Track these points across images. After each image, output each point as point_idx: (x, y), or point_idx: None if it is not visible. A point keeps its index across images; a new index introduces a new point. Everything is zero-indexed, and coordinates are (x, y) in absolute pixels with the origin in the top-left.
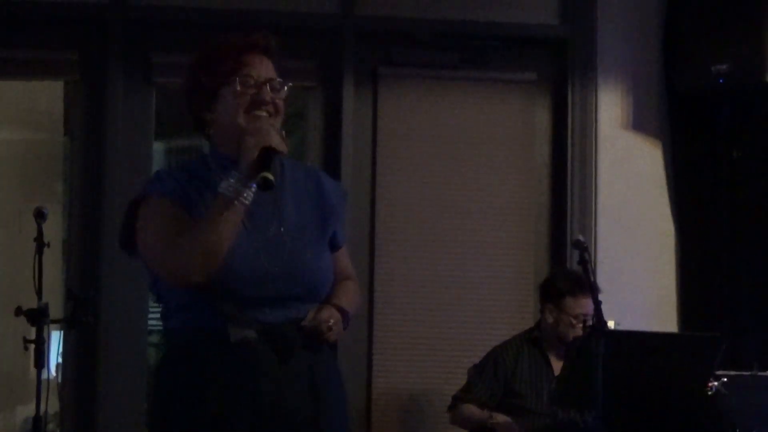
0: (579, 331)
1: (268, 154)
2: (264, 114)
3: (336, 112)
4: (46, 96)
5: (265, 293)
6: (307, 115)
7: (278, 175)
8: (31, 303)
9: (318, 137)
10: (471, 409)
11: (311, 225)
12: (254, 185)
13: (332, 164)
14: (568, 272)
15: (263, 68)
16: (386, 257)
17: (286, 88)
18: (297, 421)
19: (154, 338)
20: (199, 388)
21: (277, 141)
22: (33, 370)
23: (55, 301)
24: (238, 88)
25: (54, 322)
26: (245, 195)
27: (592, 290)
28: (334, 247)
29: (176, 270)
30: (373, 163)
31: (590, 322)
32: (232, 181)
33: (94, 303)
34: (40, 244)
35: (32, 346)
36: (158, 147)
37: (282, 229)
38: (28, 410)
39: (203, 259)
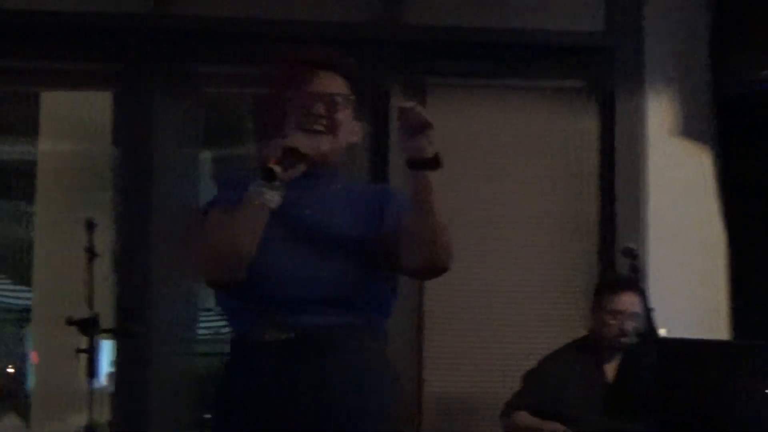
0: (616, 329)
1: (287, 153)
2: (320, 129)
3: (383, 123)
4: (94, 107)
5: (304, 297)
6: (364, 128)
7: (318, 185)
8: (82, 313)
9: (365, 147)
10: (524, 417)
11: (352, 234)
12: (276, 183)
13: (380, 175)
14: (612, 273)
15: (326, 84)
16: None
17: (346, 103)
18: (335, 425)
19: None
20: (238, 392)
21: (304, 145)
22: (84, 380)
23: (104, 311)
24: (295, 100)
25: (104, 331)
26: (269, 197)
27: (638, 292)
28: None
29: (203, 269)
30: None
31: (635, 325)
32: (259, 183)
33: (144, 313)
34: (91, 254)
35: (83, 356)
36: (206, 156)
37: (321, 237)
38: (79, 420)
39: (224, 258)
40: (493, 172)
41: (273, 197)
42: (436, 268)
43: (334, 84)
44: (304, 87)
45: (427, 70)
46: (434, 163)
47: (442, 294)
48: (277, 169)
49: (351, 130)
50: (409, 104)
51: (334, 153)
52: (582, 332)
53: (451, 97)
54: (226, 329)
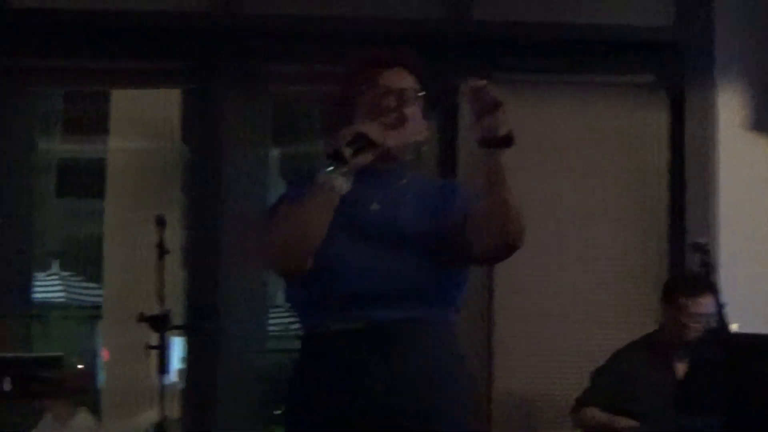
0: (697, 332)
1: (357, 138)
2: (389, 121)
3: (450, 119)
4: (163, 105)
5: (374, 291)
6: (431, 127)
7: (390, 179)
8: (153, 310)
9: (433, 145)
10: (594, 413)
11: (430, 231)
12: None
13: (448, 172)
14: (687, 273)
15: (396, 79)
16: (504, 262)
17: (414, 99)
18: (407, 420)
19: (273, 344)
20: (308, 390)
21: (373, 132)
22: (154, 377)
23: (174, 308)
24: (366, 97)
25: (175, 328)
26: (337, 182)
27: (714, 292)
28: (468, 218)
29: (271, 256)
30: None
31: (710, 324)
32: (328, 168)
33: (215, 309)
34: (161, 251)
35: (154, 353)
36: (274, 154)
37: (401, 237)
38: (150, 416)
39: (292, 243)
40: (562, 168)
41: (341, 183)
42: (508, 247)
43: (402, 80)
44: (373, 81)
45: (495, 66)
46: (506, 141)
47: (511, 290)
48: (347, 151)
49: (419, 127)
50: (480, 83)
51: (402, 147)
52: (651, 328)
53: (520, 94)
54: (296, 325)
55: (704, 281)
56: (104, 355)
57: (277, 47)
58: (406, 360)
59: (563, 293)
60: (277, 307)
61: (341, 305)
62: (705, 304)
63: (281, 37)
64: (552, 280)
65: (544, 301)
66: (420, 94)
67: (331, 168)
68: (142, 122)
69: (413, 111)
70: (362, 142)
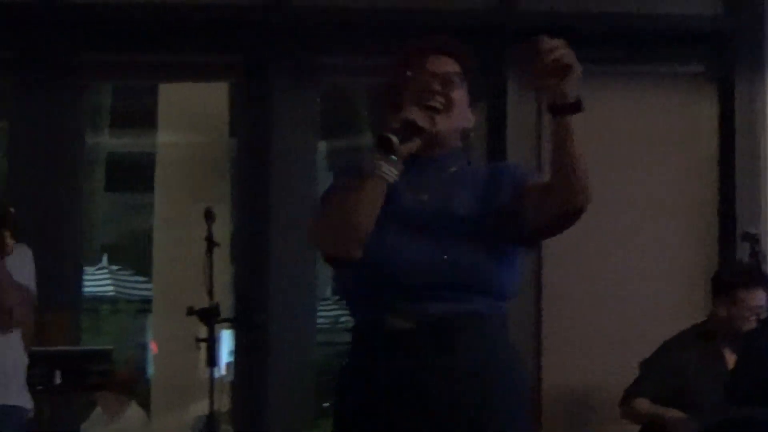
0: (749, 323)
1: (404, 126)
2: (436, 105)
3: (500, 108)
4: (212, 98)
5: (428, 283)
6: (477, 116)
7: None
8: (201, 303)
9: (482, 135)
10: (643, 404)
11: (482, 219)
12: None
13: (497, 159)
14: (740, 264)
15: (441, 65)
16: (553, 254)
17: (460, 84)
18: (461, 417)
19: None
20: (361, 382)
21: (421, 118)
22: (202, 370)
23: (222, 301)
24: (411, 80)
25: (224, 321)
26: (386, 169)
27: (765, 282)
28: (524, 190)
29: (321, 245)
30: (538, 159)
31: (762, 315)
32: (375, 156)
33: (264, 302)
34: (211, 244)
35: (203, 345)
36: (322, 147)
37: (452, 225)
38: (198, 409)
39: (341, 231)
40: (611, 159)
41: (389, 170)
42: (575, 212)
43: (447, 65)
44: (418, 68)
45: None
46: (576, 108)
47: (560, 282)
48: (394, 138)
49: (465, 113)
50: (555, 42)
51: (450, 133)
52: (701, 318)
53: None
54: (344, 318)
55: (756, 273)
56: (153, 348)
57: (325, 39)
58: (459, 355)
59: (612, 284)
60: (326, 300)
61: (392, 298)
62: (757, 296)
63: (329, 30)
64: (601, 272)
65: (592, 292)
66: (464, 79)
67: (379, 156)
68: (191, 116)
69: (459, 96)
70: (410, 130)
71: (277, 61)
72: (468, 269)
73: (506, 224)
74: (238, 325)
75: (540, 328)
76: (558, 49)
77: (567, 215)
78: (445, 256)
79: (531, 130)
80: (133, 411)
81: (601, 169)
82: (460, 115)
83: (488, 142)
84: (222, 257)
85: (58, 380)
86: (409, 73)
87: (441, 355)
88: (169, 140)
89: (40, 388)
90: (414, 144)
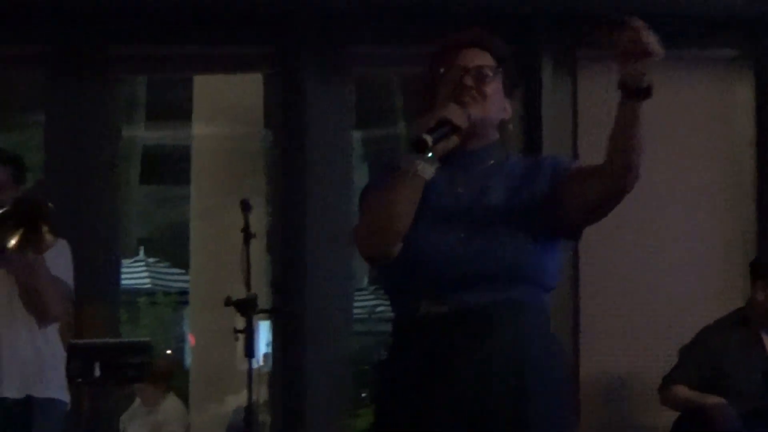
0: None
1: (438, 124)
2: (469, 100)
3: (535, 97)
4: (246, 90)
5: (466, 273)
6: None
7: (475, 163)
8: (238, 294)
9: (517, 125)
10: (682, 390)
11: (521, 210)
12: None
13: (532, 150)
14: None
15: (473, 59)
16: (589, 243)
17: (494, 77)
18: (500, 405)
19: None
20: (399, 373)
21: (456, 116)
22: (239, 361)
23: (259, 292)
24: (444, 76)
25: (261, 312)
26: (421, 167)
27: None
28: (568, 177)
29: (359, 243)
30: (574, 148)
31: None
32: (411, 154)
33: (301, 293)
34: (248, 235)
35: (241, 337)
36: (357, 137)
37: (490, 218)
38: (236, 400)
39: (379, 230)
40: (648, 145)
41: (425, 168)
42: (623, 190)
43: (479, 58)
44: (450, 63)
45: (578, 43)
46: (647, 94)
47: (598, 268)
48: (428, 138)
49: (501, 105)
50: (641, 24)
51: (485, 126)
52: (739, 304)
53: (603, 71)
54: (381, 308)
55: None
56: (190, 339)
57: (358, 29)
58: (498, 344)
59: (650, 271)
60: (362, 290)
61: (431, 289)
62: None
63: (362, 19)
64: (639, 257)
65: (630, 279)
66: (498, 71)
67: (415, 155)
68: (225, 108)
69: (493, 89)
70: (445, 128)
71: (311, 52)
72: (506, 260)
73: (547, 215)
74: (275, 315)
75: (578, 316)
76: (644, 31)
77: (615, 194)
78: (481, 248)
79: (566, 119)
80: (172, 402)
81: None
82: (495, 107)
83: (524, 132)
84: (258, 248)
85: (97, 373)
86: (441, 70)
87: (478, 341)
88: (204, 132)
89: (80, 380)
90: (450, 142)
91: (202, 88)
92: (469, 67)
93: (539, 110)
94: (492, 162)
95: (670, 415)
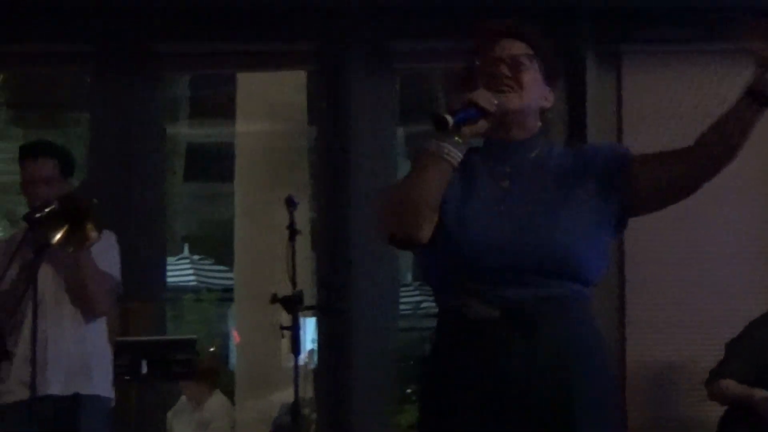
0: None
1: (465, 105)
2: (505, 88)
3: (579, 92)
4: (289, 87)
5: (512, 269)
6: (555, 95)
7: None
8: (282, 290)
9: (562, 119)
10: (729, 385)
11: (569, 203)
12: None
13: (577, 140)
14: None
15: (509, 48)
16: (635, 236)
17: (530, 66)
18: (547, 403)
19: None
20: (444, 369)
21: (483, 99)
22: (284, 357)
23: (303, 288)
24: (481, 67)
25: (307, 308)
26: (446, 150)
27: None
28: (632, 164)
29: (384, 226)
30: (619, 141)
31: None
32: (437, 136)
33: (346, 289)
34: (293, 232)
35: (286, 333)
36: (400, 133)
37: (536, 210)
38: (281, 397)
39: (403, 211)
40: (691, 138)
41: (451, 151)
42: (705, 180)
43: (516, 48)
44: (486, 54)
45: (622, 38)
46: None
47: (644, 260)
48: (449, 117)
49: (540, 93)
50: None
51: (525, 115)
52: None
53: (648, 66)
54: (426, 304)
55: None
56: (235, 337)
57: (401, 24)
58: (545, 342)
59: (696, 263)
60: (407, 285)
61: (475, 285)
62: None
63: (405, 15)
64: (685, 250)
65: (676, 273)
66: (534, 60)
67: (443, 137)
68: (269, 105)
69: (530, 78)
70: (470, 110)
71: (355, 48)
72: (555, 256)
73: (603, 206)
74: (320, 312)
75: (623, 310)
76: None
77: (704, 177)
78: (527, 242)
79: (611, 113)
80: (217, 399)
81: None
82: (534, 96)
83: (568, 126)
84: (303, 245)
85: (144, 370)
86: (477, 62)
87: (524, 340)
88: (247, 129)
89: (127, 378)
90: (478, 126)
91: (245, 84)
92: (504, 56)
93: (584, 105)
94: (535, 153)
95: (718, 409)
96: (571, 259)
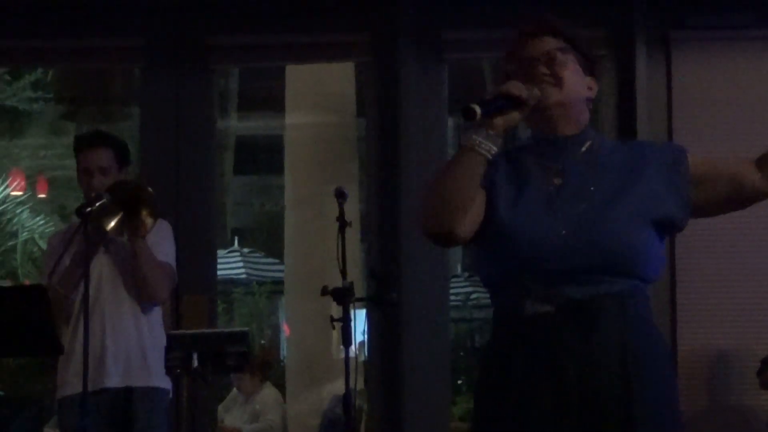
0: None
1: (497, 96)
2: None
3: (629, 80)
4: (338, 78)
5: (569, 266)
6: (599, 84)
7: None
8: (332, 282)
9: (611, 106)
10: None
11: (626, 198)
12: (486, 133)
13: (627, 133)
14: None
15: (541, 46)
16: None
17: (566, 60)
18: (606, 401)
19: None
20: (501, 366)
21: (515, 88)
22: (335, 349)
23: (354, 280)
24: (517, 71)
25: (358, 300)
26: (481, 143)
27: None
28: (690, 170)
29: (420, 221)
30: (669, 130)
31: None
32: (472, 130)
33: (397, 281)
34: (343, 223)
35: (337, 326)
36: (450, 124)
37: (590, 206)
38: (331, 388)
39: (435, 207)
40: (745, 126)
41: (483, 143)
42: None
43: (549, 44)
44: (521, 55)
45: (671, 24)
46: None
47: (695, 249)
48: (477, 107)
49: (582, 84)
50: None
51: (570, 108)
52: None
53: (698, 52)
54: (476, 295)
55: None
56: (285, 329)
57: (452, 14)
58: (603, 340)
59: (746, 253)
60: (457, 276)
61: (531, 283)
62: None
63: (458, 5)
64: (737, 239)
65: (727, 260)
66: (569, 54)
67: (477, 131)
68: (318, 97)
69: (569, 70)
70: (501, 101)
71: (404, 38)
72: (612, 253)
73: (660, 205)
74: (371, 303)
75: (674, 299)
76: None
77: (756, 200)
78: (583, 239)
79: (661, 101)
80: (269, 391)
81: (732, 138)
82: (575, 89)
83: (618, 114)
84: (353, 236)
85: (195, 363)
86: (513, 66)
87: (583, 339)
88: (296, 121)
89: (179, 371)
90: (512, 117)
91: (293, 77)
92: (538, 55)
93: (634, 92)
94: (586, 147)
95: None
96: (628, 255)
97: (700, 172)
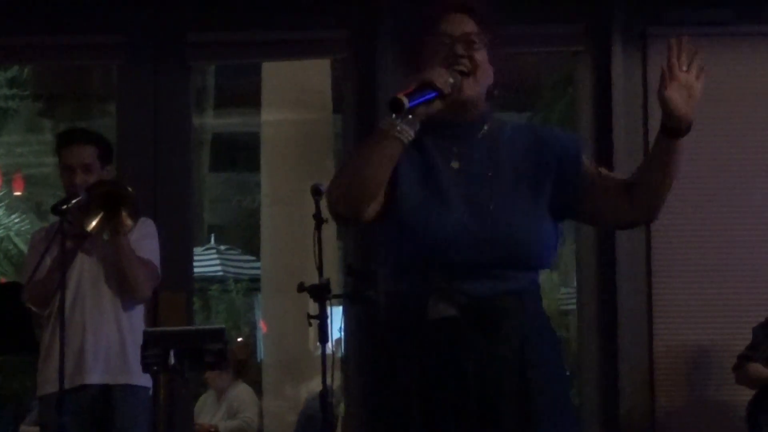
0: None
1: (420, 86)
2: (463, 69)
3: (605, 76)
4: (314, 75)
5: (473, 260)
6: (576, 80)
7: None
8: (309, 279)
9: (588, 101)
10: (757, 369)
11: (526, 188)
12: (404, 117)
13: (603, 128)
14: None
15: (460, 25)
16: (662, 219)
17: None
18: (505, 399)
19: None
20: (401, 366)
21: (440, 80)
22: (311, 347)
23: (331, 277)
24: (431, 42)
25: (334, 297)
26: (399, 129)
27: None
28: (583, 173)
29: (327, 198)
30: (645, 126)
31: None
32: (392, 116)
33: (373, 277)
34: (319, 220)
35: (314, 323)
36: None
37: (491, 194)
38: (310, 386)
39: (347, 187)
40: (723, 122)
41: (403, 129)
42: (644, 222)
43: (464, 25)
44: (437, 28)
45: (649, 21)
46: (688, 128)
47: (671, 245)
48: (404, 99)
49: (489, 72)
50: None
51: (478, 97)
52: None
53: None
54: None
55: None
56: (262, 326)
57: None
58: (504, 339)
59: (723, 249)
60: None
61: (436, 277)
62: None
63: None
64: (713, 235)
65: (703, 256)
66: (485, 37)
67: (393, 116)
68: (294, 93)
69: (482, 56)
70: (426, 91)
71: (379, 36)
72: (512, 246)
73: (552, 194)
74: (348, 300)
75: (651, 294)
76: (689, 73)
77: (634, 224)
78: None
79: (637, 96)
80: (243, 388)
81: (710, 134)
82: (485, 75)
83: (594, 109)
84: (329, 234)
85: (172, 360)
86: (426, 36)
87: (483, 340)
88: (273, 118)
89: (155, 368)
90: (433, 106)
91: (270, 73)
92: (456, 34)
93: (610, 88)
94: (484, 131)
95: (747, 394)
96: (532, 249)
97: (591, 173)
